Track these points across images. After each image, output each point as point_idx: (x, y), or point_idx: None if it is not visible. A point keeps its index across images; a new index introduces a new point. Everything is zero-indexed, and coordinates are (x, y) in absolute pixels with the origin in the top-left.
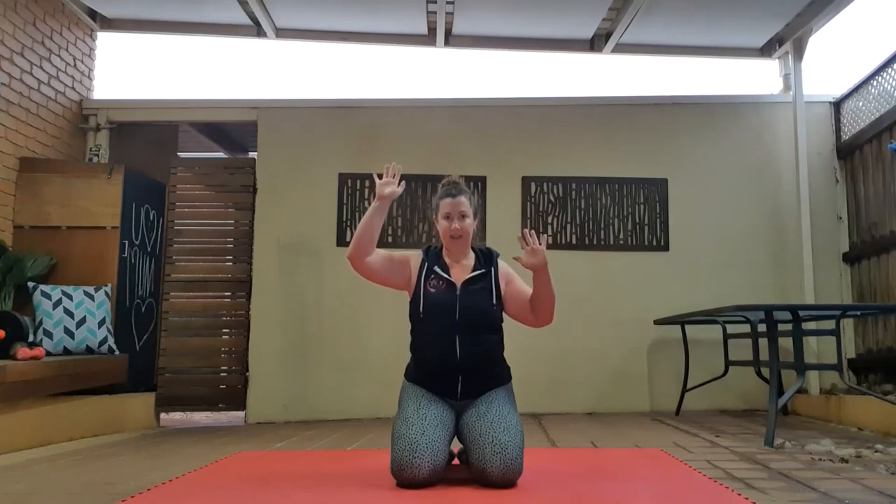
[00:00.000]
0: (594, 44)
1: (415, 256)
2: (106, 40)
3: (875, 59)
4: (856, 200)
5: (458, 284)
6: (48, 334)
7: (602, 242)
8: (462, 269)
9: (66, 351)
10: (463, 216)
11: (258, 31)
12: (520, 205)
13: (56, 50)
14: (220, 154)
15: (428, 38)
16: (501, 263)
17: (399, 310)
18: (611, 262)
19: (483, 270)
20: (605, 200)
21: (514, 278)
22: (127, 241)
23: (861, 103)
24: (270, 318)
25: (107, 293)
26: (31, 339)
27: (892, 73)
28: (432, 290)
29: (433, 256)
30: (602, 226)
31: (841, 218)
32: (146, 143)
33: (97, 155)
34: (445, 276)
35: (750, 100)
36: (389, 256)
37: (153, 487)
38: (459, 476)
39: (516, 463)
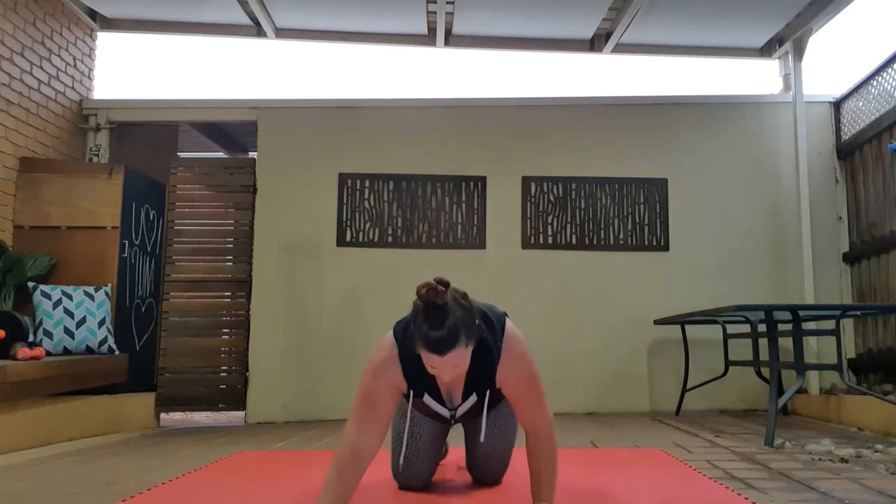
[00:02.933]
0: (594, 44)
1: (392, 374)
2: (106, 40)
3: (875, 59)
4: (856, 200)
5: (451, 419)
6: (48, 334)
7: (602, 242)
8: (454, 381)
9: (66, 351)
10: (456, 366)
11: (258, 31)
12: (520, 205)
13: (56, 50)
14: (220, 154)
15: (428, 38)
16: (503, 362)
17: (400, 310)
18: (611, 262)
19: (477, 399)
20: (605, 200)
21: (517, 386)
22: (127, 241)
23: (861, 103)
24: (270, 318)
25: (107, 293)
26: (31, 339)
27: (892, 73)
28: (418, 411)
29: (414, 368)
30: (602, 226)
31: (841, 218)
32: (146, 143)
33: (97, 155)
34: (435, 408)
35: (750, 100)
36: (373, 416)
37: (153, 487)
38: (460, 475)
39: (497, 476)
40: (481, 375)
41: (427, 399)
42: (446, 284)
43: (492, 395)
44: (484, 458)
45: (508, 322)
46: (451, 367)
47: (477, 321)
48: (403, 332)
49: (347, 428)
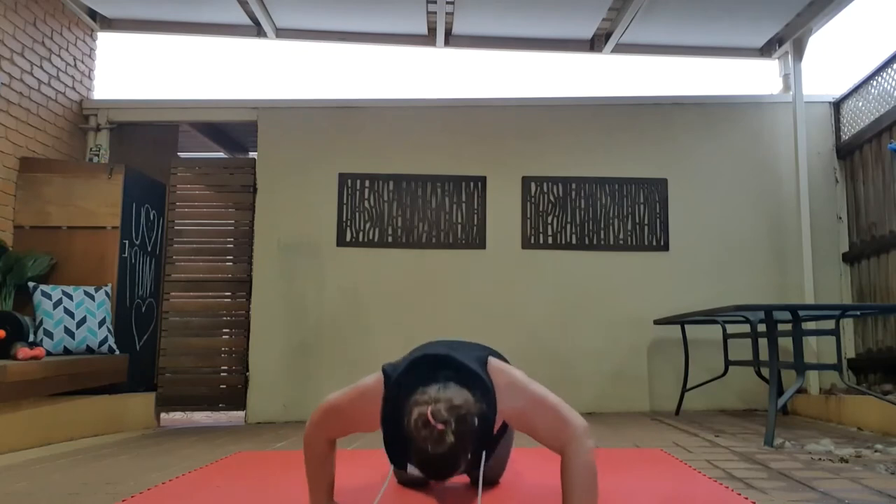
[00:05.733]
0: (594, 44)
1: (369, 417)
2: (106, 40)
3: (875, 59)
4: (856, 200)
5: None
6: (48, 334)
7: (602, 242)
8: None
9: (67, 351)
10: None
11: (258, 31)
12: (520, 205)
13: (56, 50)
14: (220, 154)
15: (428, 38)
16: (502, 406)
17: (400, 309)
18: (611, 262)
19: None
20: (605, 200)
21: (521, 414)
22: (127, 241)
23: (861, 103)
24: (270, 318)
25: (107, 293)
26: (31, 338)
27: (892, 73)
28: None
29: (397, 437)
30: (602, 226)
31: (841, 218)
32: (146, 143)
33: (97, 155)
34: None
35: (750, 100)
36: (343, 427)
37: (153, 487)
38: (460, 477)
39: (494, 479)
40: (477, 445)
41: (412, 469)
42: (445, 421)
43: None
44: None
45: (490, 359)
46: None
47: (476, 425)
48: (393, 391)
49: (319, 414)
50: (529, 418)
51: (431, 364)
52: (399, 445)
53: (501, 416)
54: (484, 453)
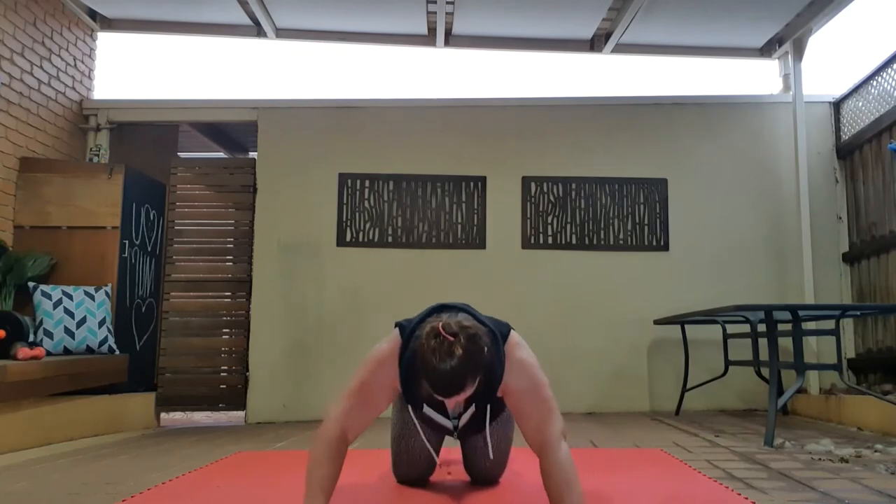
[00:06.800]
0: (594, 44)
1: (391, 373)
2: (106, 40)
3: (875, 59)
4: (856, 200)
5: (454, 430)
6: (48, 334)
7: (602, 242)
8: None
9: (67, 351)
10: (462, 400)
11: (258, 32)
12: (520, 205)
13: (56, 50)
14: (220, 154)
15: (428, 39)
16: (507, 379)
17: (400, 310)
18: (611, 262)
19: (475, 410)
20: (605, 200)
21: (519, 393)
22: (127, 241)
23: (861, 103)
24: (270, 318)
25: (107, 293)
26: (31, 338)
27: (892, 73)
28: (421, 421)
29: (413, 380)
30: (602, 226)
31: (841, 218)
32: (146, 143)
33: (97, 155)
34: (438, 419)
35: (750, 100)
36: (365, 405)
37: (153, 487)
38: (457, 472)
39: (496, 478)
40: (484, 389)
41: (428, 410)
42: (455, 334)
43: (493, 406)
44: (486, 469)
45: (512, 333)
46: (456, 401)
47: (486, 352)
48: (409, 337)
49: (335, 407)
50: (524, 400)
51: (448, 309)
52: (415, 383)
53: (503, 388)
54: (489, 410)
